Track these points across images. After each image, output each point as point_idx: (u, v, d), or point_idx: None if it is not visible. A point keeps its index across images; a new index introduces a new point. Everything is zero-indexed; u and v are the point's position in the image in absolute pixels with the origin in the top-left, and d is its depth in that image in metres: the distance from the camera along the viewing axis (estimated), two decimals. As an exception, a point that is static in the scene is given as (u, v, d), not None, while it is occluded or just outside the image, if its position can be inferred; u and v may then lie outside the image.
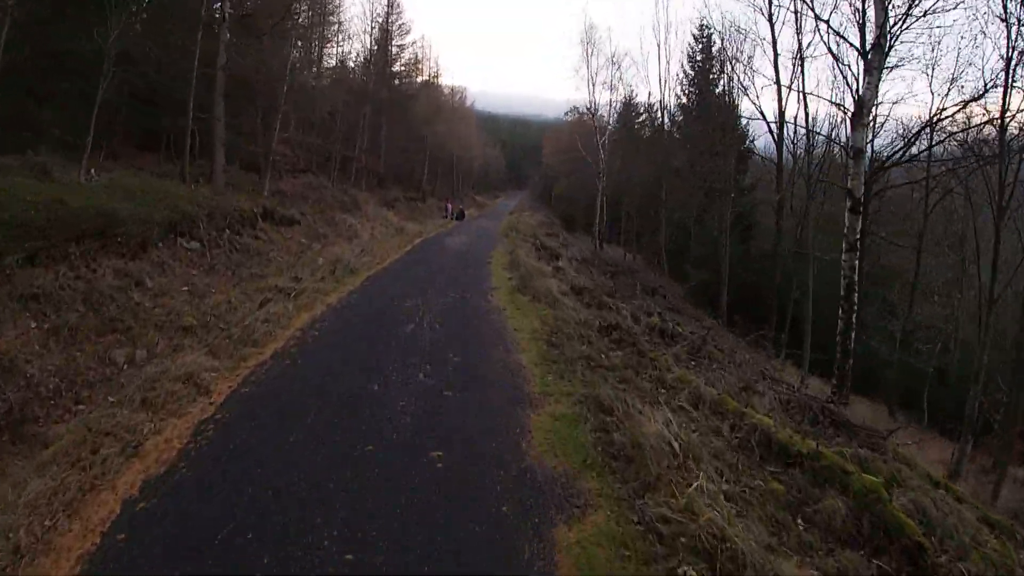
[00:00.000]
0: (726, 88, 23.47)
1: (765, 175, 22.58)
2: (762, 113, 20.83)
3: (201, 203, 10.84)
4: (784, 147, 19.94)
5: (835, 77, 23.63)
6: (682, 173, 23.44)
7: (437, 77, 43.34)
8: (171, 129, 15.82)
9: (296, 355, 6.49)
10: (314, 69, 28.53)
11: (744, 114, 23.37)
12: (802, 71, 20.77)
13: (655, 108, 31.70)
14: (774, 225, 20.74)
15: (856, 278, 9.97)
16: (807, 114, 19.34)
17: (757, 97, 31.22)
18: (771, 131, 19.81)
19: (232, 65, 14.66)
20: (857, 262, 10.06)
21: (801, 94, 19.11)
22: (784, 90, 19.81)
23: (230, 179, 17.30)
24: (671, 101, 28.26)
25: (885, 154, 16.10)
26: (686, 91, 25.59)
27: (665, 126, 28.61)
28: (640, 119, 37.62)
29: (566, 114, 38.06)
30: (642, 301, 12.26)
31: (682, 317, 12.38)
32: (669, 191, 24.84)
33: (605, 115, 26.73)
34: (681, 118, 24.79)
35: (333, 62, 33.15)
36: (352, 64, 34.36)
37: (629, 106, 35.68)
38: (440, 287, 11.06)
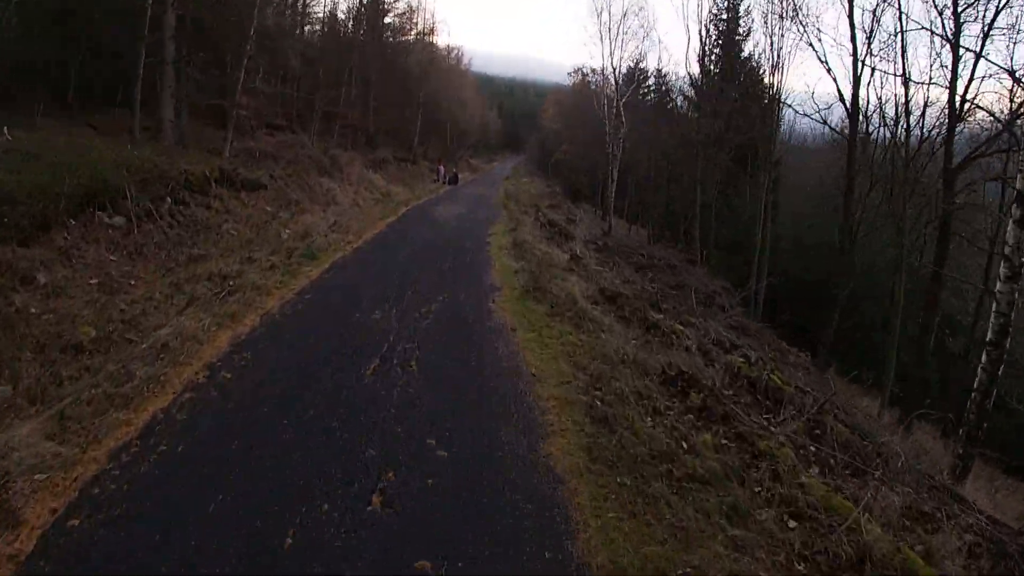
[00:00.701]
0: (752, 53, 21.09)
1: (785, 154, 20.31)
2: (836, 84, 17.89)
3: (135, 166, 8.88)
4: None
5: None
6: (702, 142, 21.19)
7: (433, 33, 40.23)
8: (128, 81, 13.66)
9: (168, 443, 3.65)
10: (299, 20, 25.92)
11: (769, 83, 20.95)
12: (903, 47, 17.62)
13: (666, 73, 29.37)
14: (804, 210, 18.78)
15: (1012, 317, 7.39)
16: (907, 95, 15.45)
17: (824, 59, 28.12)
18: (844, 102, 16.84)
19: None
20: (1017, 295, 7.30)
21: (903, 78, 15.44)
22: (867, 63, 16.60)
23: (192, 136, 15.22)
24: (692, 65, 25.64)
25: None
26: (709, 52, 23.10)
27: (685, 91, 26.13)
28: (648, 83, 35.21)
29: (570, 74, 35.59)
30: (703, 319, 8.87)
31: (752, 341, 9.28)
32: (684, 161, 22.70)
33: (613, 79, 24.47)
34: (703, 81, 22.46)
35: (321, 14, 30.37)
36: (342, 15, 31.47)
37: (637, 70, 33.27)
38: (424, 285, 8.33)
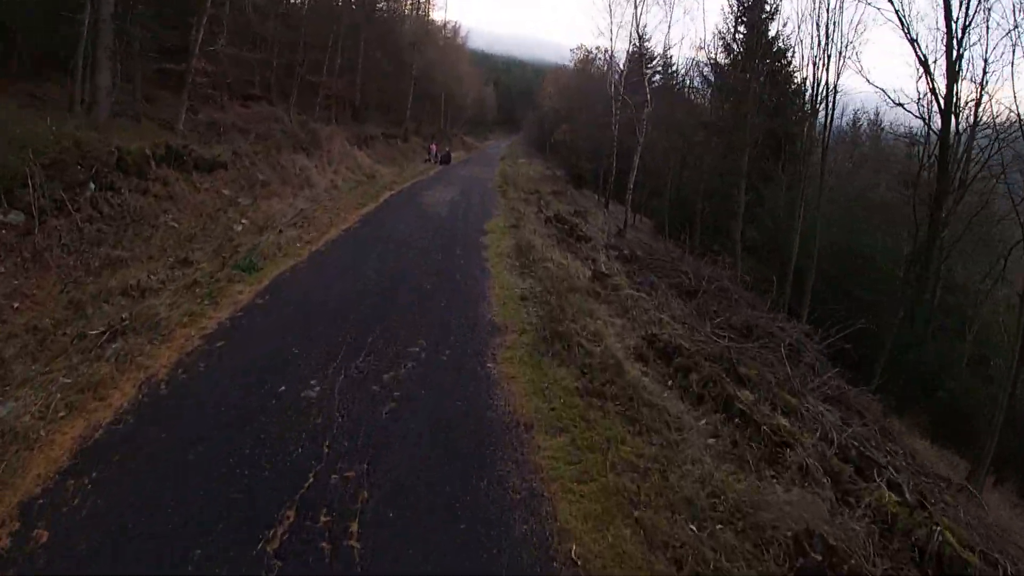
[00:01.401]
0: (779, 33, 19.06)
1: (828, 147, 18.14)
2: (929, 74, 14.74)
3: (45, 146, 7.28)
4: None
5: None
6: (722, 128, 19.31)
7: (429, 3, 37.60)
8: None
9: None
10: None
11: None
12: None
13: (671, 55, 27.51)
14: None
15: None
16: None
17: (914, 36, 25.64)
18: (936, 96, 14.14)
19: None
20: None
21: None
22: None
23: (148, 107, 13.46)
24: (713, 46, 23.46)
25: None
26: (732, 30, 21.10)
27: (705, 72, 24.16)
28: (652, 63, 33.31)
29: (572, 51, 33.74)
30: (802, 395, 5.52)
31: (854, 418, 6.07)
32: (702, 146, 20.91)
33: (630, 52, 22.74)
34: (728, 61, 20.60)
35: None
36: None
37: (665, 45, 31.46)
38: (393, 325, 5.81)
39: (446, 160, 28.68)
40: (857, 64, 29.79)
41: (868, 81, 17.09)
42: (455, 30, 47.11)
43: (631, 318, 6.90)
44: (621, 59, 26.52)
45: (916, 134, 16.47)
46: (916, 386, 14.15)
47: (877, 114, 27.41)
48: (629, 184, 18.89)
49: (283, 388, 4.36)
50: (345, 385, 4.50)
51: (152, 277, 6.50)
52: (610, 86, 23.64)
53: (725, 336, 6.61)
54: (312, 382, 4.48)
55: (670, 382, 5.17)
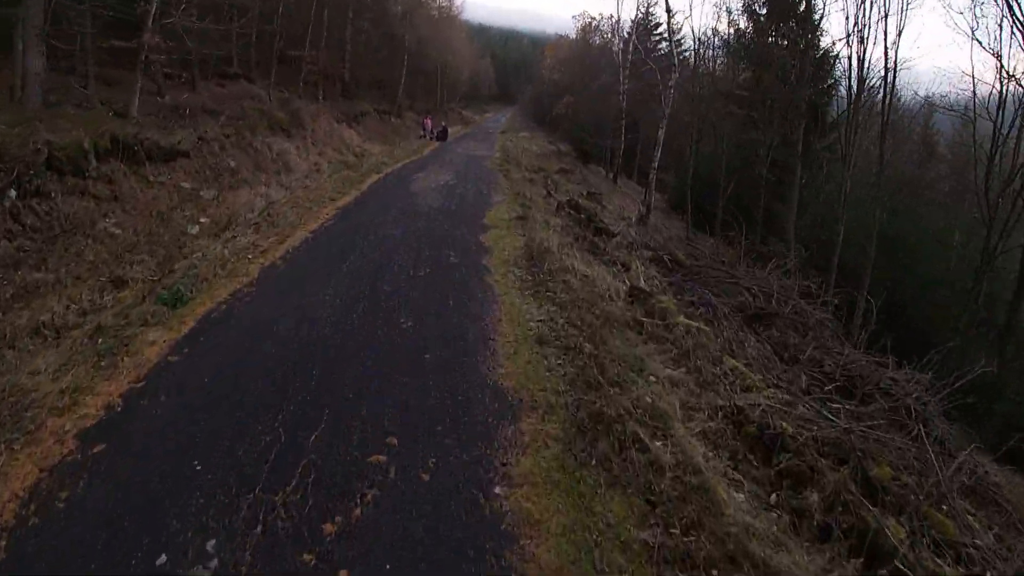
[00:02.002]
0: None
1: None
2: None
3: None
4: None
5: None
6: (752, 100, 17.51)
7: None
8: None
9: None
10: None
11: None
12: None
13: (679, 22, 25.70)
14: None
15: None
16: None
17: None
18: (1002, 64, 13.05)
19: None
20: None
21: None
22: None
23: (108, 91, 12.09)
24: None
25: None
26: None
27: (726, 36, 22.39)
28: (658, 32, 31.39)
29: (575, 18, 32.00)
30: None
31: None
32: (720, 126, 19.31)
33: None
34: (750, 27, 18.87)
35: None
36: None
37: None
38: (351, 405, 4.06)
39: (442, 136, 27.20)
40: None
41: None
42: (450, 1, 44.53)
43: (695, 370, 5.00)
44: (627, 26, 24.90)
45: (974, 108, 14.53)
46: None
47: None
48: (653, 163, 16.70)
49: (164, 559, 2.78)
50: (260, 550, 2.84)
51: (73, 307, 5.37)
52: (617, 54, 22.00)
53: (836, 405, 4.86)
54: (209, 544, 2.84)
55: (774, 496, 3.55)
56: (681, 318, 5.95)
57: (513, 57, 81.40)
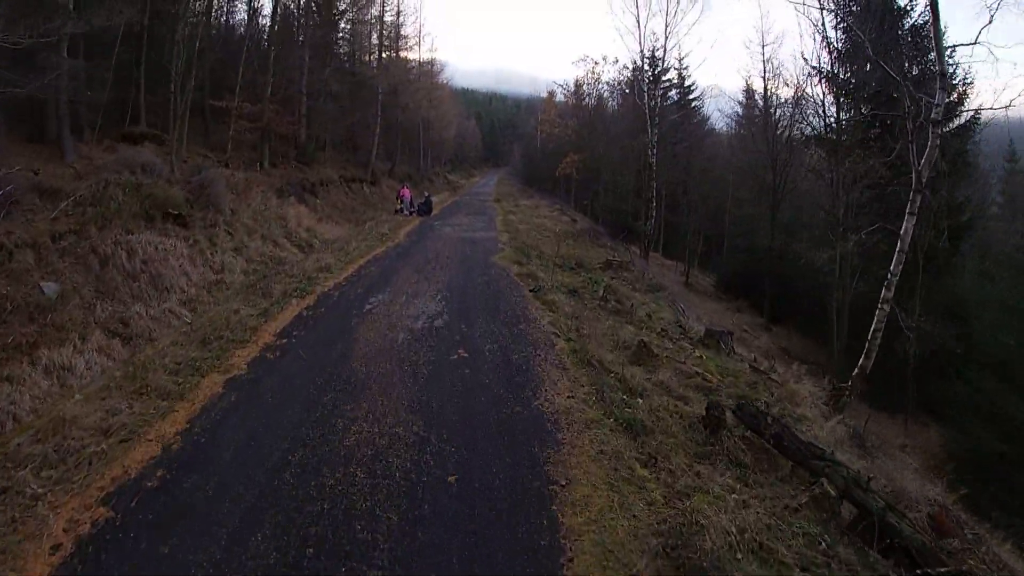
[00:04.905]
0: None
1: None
2: None
3: None
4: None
5: None
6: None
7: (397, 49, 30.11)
8: None
9: None
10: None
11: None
12: None
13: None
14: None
15: None
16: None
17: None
18: None
19: None
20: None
21: None
22: None
23: None
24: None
25: None
26: None
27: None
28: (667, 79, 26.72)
29: (574, 63, 27.31)
30: None
31: None
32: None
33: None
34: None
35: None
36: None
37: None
38: None
39: (426, 210, 21.21)
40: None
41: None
42: (431, 65, 38.46)
43: None
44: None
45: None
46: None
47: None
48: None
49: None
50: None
51: None
52: (641, 96, 16.76)
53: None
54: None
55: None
56: None
57: (500, 117, 78.34)
